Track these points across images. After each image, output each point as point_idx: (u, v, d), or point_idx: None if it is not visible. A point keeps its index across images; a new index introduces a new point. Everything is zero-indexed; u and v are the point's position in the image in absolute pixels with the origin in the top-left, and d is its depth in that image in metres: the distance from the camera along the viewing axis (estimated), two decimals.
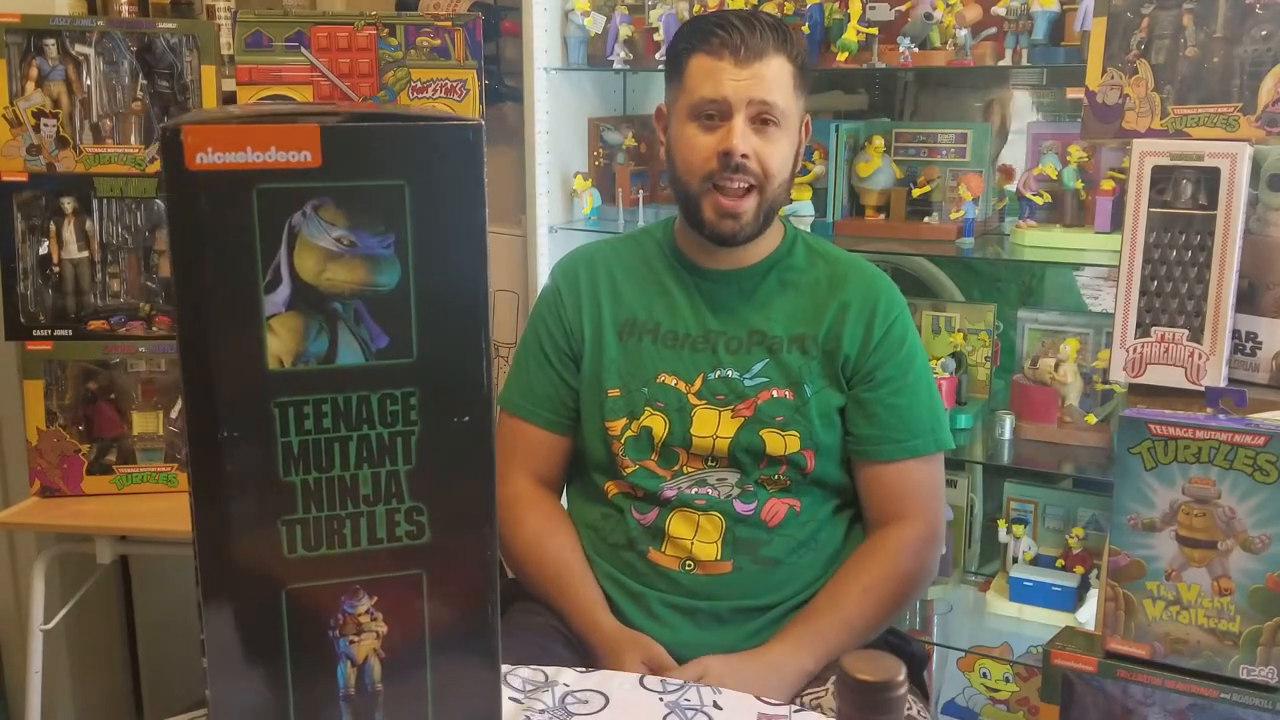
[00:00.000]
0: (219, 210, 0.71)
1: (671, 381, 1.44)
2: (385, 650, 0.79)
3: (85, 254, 1.80)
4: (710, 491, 1.42)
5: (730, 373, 1.43)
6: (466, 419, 0.77)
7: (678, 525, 1.42)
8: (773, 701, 1.10)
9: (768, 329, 1.45)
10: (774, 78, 1.38)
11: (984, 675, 2.02)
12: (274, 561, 0.76)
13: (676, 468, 1.43)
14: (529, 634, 1.40)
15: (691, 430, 1.42)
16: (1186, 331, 1.34)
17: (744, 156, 1.37)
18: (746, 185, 1.39)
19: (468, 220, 0.74)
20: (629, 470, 1.43)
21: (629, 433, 1.44)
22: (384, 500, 0.77)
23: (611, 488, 1.46)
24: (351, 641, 0.78)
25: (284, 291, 0.73)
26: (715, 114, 1.39)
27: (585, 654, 1.39)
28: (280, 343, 0.74)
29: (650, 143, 2.34)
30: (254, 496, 0.75)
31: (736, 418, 1.42)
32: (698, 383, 1.44)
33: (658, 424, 1.43)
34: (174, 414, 1.83)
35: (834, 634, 1.36)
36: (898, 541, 1.43)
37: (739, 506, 1.41)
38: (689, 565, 1.41)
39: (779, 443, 1.41)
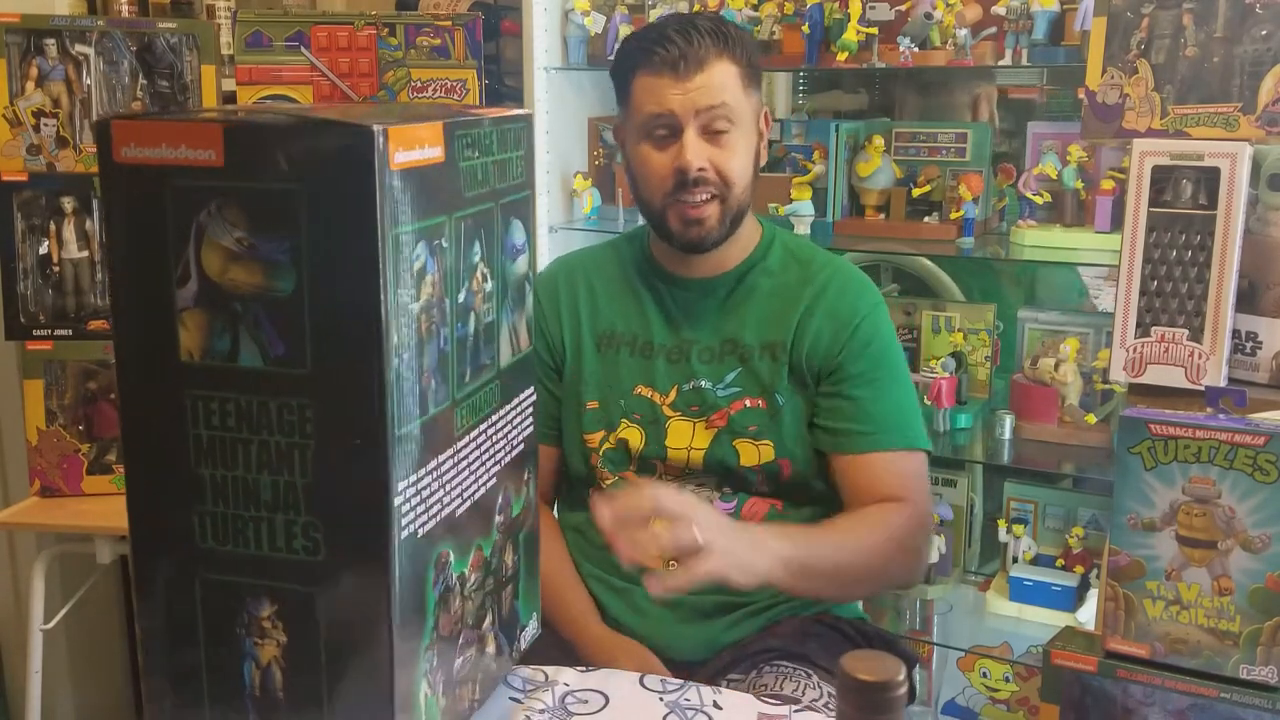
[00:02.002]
0: (138, 203, 0.74)
1: (647, 393, 1.43)
2: (285, 660, 0.77)
3: (85, 254, 1.80)
4: None
5: (703, 383, 1.42)
6: (358, 442, 0.73)
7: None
8: (772, 701, 1.10)
9: (740, 337, 1.42)
10: (719, 83, 1.35)
11: (984, 675, 2.02)
12: (189, 548, 0.77)
13: (654, 480, 1.42)
14: None
15: (666, 442, 1.41)
16: (1186, 331, 1.34)
17: (700, 170, 1.35)
18: (708, 195, 1.37)
19: (360, 233, 0.70)
20: (608, 482, 1.44)
21: (606, 445, 1.44)
22: (282, 509, 0.76)
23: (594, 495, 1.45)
24: (256, 643, 0.78)
25: (193, 287, 0.74)
26: (666, 130, 1.36)
27: (574, 660, 1.39)
28: (190, 337, 0.74)
29: None
30: (171, 483, 0.77)
31: (710, 429, 1.41)
32: (672, 394, 1.42)
33: (634, 436, 1.43)
34: None
35: (817, 556, 1.27)
36: (887, 511, 1.35)
37: (720, 505, 1.40)
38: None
39: (753, 453, 1.40)
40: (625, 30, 2.17)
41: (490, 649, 0.93)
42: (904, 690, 0.68)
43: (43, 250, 1.78)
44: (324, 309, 0.72)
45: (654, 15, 2.15)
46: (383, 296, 0.71)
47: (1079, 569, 1.95)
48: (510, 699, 1.08)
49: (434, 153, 0.77)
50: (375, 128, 0.69)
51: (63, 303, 1.80)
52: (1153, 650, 1.00)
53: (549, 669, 1.14)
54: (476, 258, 0.84)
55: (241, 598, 0.77)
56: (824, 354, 1.40)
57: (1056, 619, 1.85)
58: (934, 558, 2.01)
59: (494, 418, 0.90)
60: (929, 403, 1.97)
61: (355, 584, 0.75)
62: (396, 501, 0.74)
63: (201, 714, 0.80)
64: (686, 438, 1.41)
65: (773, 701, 1.10)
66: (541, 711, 1.06)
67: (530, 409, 0.98)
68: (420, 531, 0.78)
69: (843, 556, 1.30)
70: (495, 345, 0.89)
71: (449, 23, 1.78)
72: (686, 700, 1.08)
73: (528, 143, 0.93)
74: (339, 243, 0.71)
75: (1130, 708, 1.01)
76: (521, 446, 0.96)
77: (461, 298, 0.82)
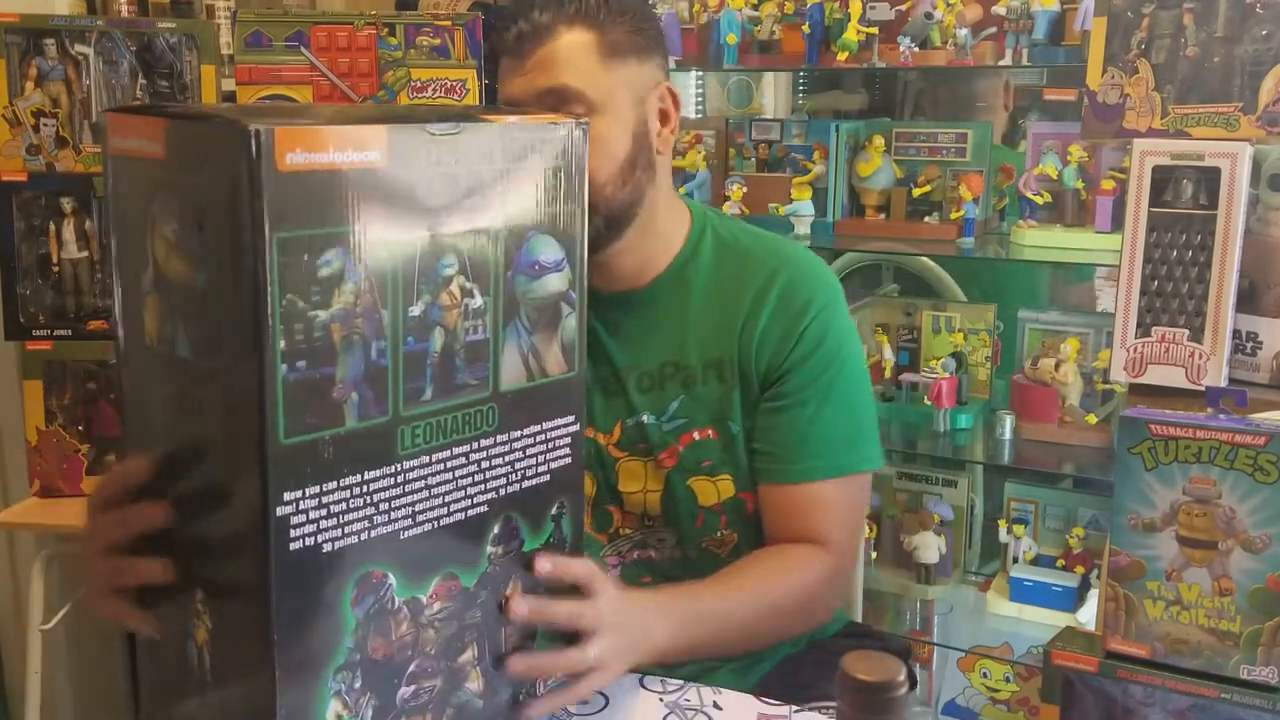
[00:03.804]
0: (122, 188, 0.77)
1: (590, 433, 1.22)
2: (210, 645, 0.77)
3: (85, 254, 1.80)
4: (653, 555, 1.27)
5: (645, 417, 1.23)
6: (242, 448, 0.72)
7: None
8: (772, 702, 1.10)
9: (680, 358, 1.22)
10: (563, 59, 1.11)
11: (984, 675, 2.02)
12: (159, 515, 0.77)
13: (612, 529, 1.27)
14: None
15: (619, 487, 1.25)
16: (1187, 331, 1.34)
17: None
18: None
19: (239, 233, 0.68)
20: None
21: None
22: (203, 500, 0.75)
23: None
24: (195, 623, 0.78)
25: (150, 273, 0.75)
26: None
27: None
28: (150, 320, 0.76)
29: None
30: (145, 454, 0.79)
31: (661, 469, 1.23)
32: (616, 432, 1.24)
33: (586, 482, 1.19)
34: None
35: (710, 621, 1.12)
36: (801, 556, 1.20)
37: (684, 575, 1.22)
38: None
39: (710, 491, 1.24)
40: None
41: (473, 685, 0.88)
42: (904, 690, 0.68)
43: (42, 250, 1.78)
44: (222, 306, 0.71)
45: None
46: (264, 299, 0.68)
47: (1079, 569, 1.95)
48: None
49: (366, 156, 0.73)
50: (256, 128, 0.67)
51: (62, 303, 1.79)
52: (1153, 650, 1.00)
53: None
54: (448, 270, 0.79)
55: (188, 574, 0.77)
56: (768, 362, 1.21)
57: (1057, 619, 1.85)
58: (934, 558, 2.01)
59: (484, 442, 0.85)
60: (929, 403, 1.97)
61: (241, 593, 0.75)
62: (282, 512, 0.71)
63: (164, 672, 0.82)
64: (640, 480, 1.25)
65: (773, 702, 1.10)
66: None
67: (567, 439, 0.91)
68: (327, 546, 0.74)
69: (740, 616, 1.15)
70: (488, 366, 0.84)
71: (449, 23, 1.78)
72: (686, 700, 1.08)
73: (571, 154, 0.86)
74: (229, 242, 0.69)
75: (1130, 708, 1.01)
76: (545, 479, 0.90)
77: (418, 310, 0.77)
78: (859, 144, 2.09)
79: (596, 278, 1.17)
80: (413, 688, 0.83)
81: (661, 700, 1.08)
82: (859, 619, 1.56)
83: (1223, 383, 1.33)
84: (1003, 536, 2.02)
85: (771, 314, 1.21)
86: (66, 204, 1.77)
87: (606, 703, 1.08)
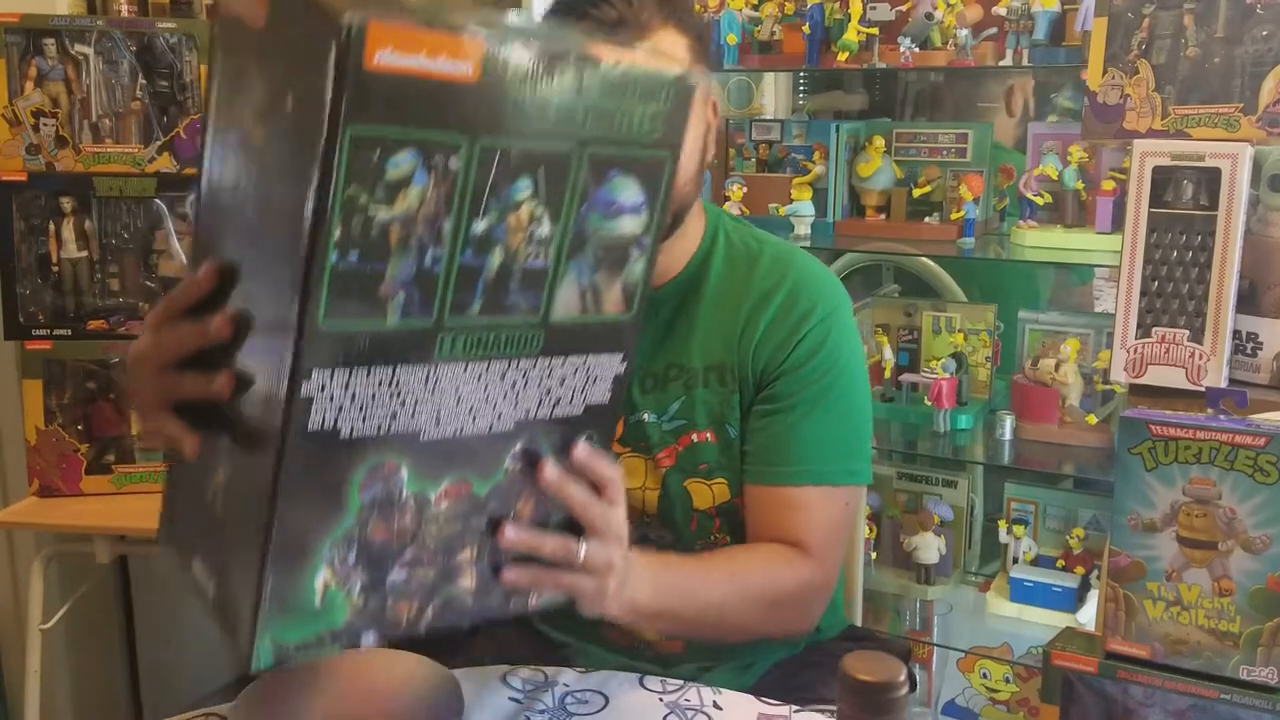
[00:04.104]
0: (224, 48, 0.81)
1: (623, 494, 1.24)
2: (224, 491, 0.83)
3: (85, 254, 1.80)
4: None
5: (645, 416, 1.25)
6: (288, 318, 0.74)
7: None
8: (772, 702, 1.10)
9: (683, 360, 1.24)
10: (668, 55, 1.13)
11: (984, 676, 2.02)
12: (223, 328, 0.80)
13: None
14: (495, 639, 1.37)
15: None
16: (1187, 332, 1.34)
17: None
18: None
19: (318, 119, 0.69)
20: None
21: None
22: (247, 355, 0.80)
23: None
24: (216, 465, 0.83)
25: (237, 133, 0.79)
26: None
27: (573, 661, 1.32)
28: (228, 174, 0.79)
29: None
30: (207, 286, 0.81)
31: (659, 468, 1.25)
32: (618, 429, 1.25)
33: None
34: None
35: (687, 595, 1.11)
36: (783, 555, 1.19)
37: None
38: (641, 645, 1.30)
39: (706, 494, 1.25)
40: None
41: (465, 582, 0.89)
42: (904, 691, 0.68)
43: (42, 250, 1.78)
44: (290, 184, 0.71)
45: None
46: (326, 188, 0.69)
47: (1079, 570, 1.95)
48: (510, 699, 1.08)
49: (457, 67, 0.71)
50: (350, 21, 0.65)
51: (62, 303, 1.79)
52: (1153, 651, 1.00)
53: (549, 669, 1.13)
54: (521, 195, 0.79)
55: (221, 417, 0.80)
56: (764, 366, 1.22)
57: (1057, 620, 1.85)
58: (934, 558, 2.01)
59: (523, 364, 0.85)
60: (929, 403, 1.97)
61: (258, 452, 0.77)
62: (306, 389, 0.73)
63: (182, 504, 0.89)
64: (639, 477, 1.25)
65: (773, 702, 1.10)
66: (541, 712, 1.05)
67: (611, 377, 0.91)
68: (345, 431, 0.76)
69: (717, 598, 1.14)
70: (542, 294, 0.83)
71: None
72: (686, 700, 1.08)
73: (676, 104, 0.84)
74: (306, 125, 0.69)
75: (1130, 709, 1.01)
76: (578, 411, 0.90)
77: (481, 227, 0.77)
78: (859, 144, 2.09)
79: None
80: (404, 574, 0.85)
81: (661, 700, 1.08)
82: (859, 619, 1.55)
83: (1223, 383, 1.33)
84: (1003, 537, 2.02)
85: (772, 319, 1.21)
86: (66, 204, 1.77)
87: (606, 702, 1.08)
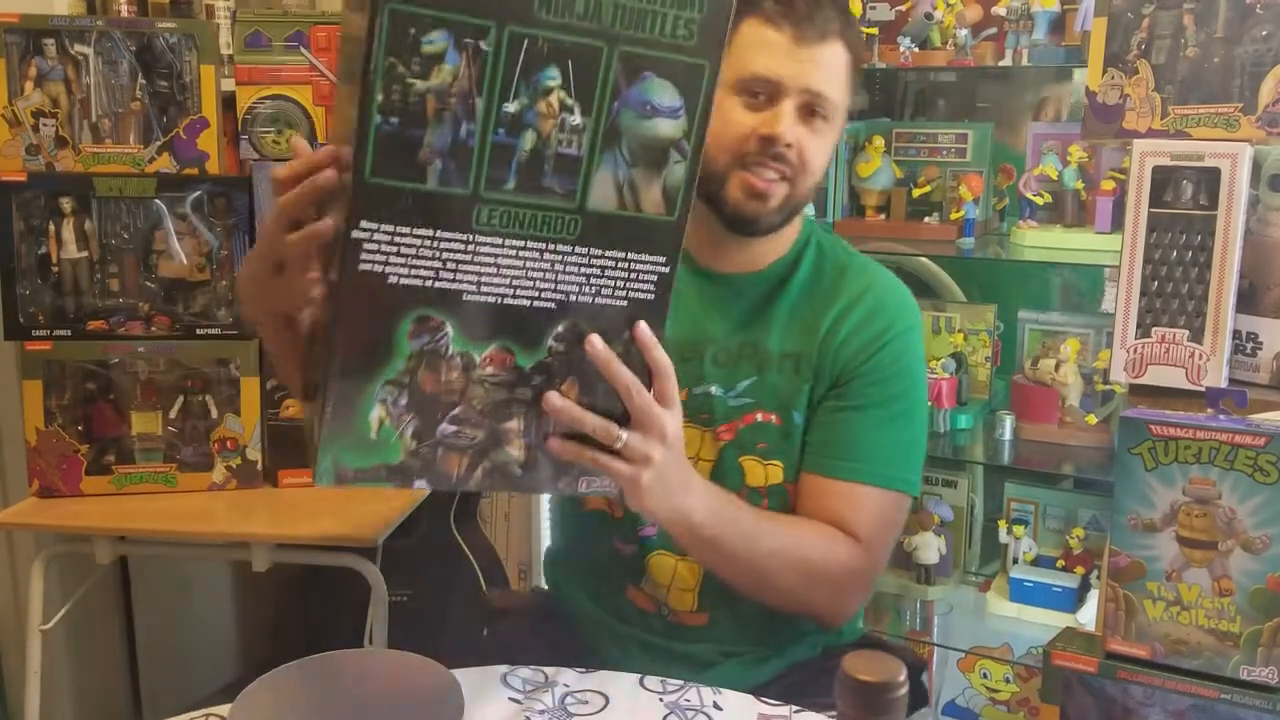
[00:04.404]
0: None
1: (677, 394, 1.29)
2: (319, 328, 0.94)
3: (84, 254, 1.80)
4: None
5: (713, 389, 1.29)
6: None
7: (657, 566, 1.31)
8: (772, 702, 1.10)
9: (760, 342, 1.29)
10: (832, 66, 1.22)
11: (984, 676, 2.03)
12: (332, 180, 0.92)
13: None
14: (503, 642, 1.39)
15: None
16: (1187, 332, 1.34)
17: (789, 145, 1.21)
18: (781, 175, 1.23)
19: (368, 7, 0.81)
20: None
21: None
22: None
23: (596, 501, 1.33)
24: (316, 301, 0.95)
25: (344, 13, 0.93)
26: (762, 93, 1.21)
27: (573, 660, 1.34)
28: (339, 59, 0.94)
29: None
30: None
31: (718, 441, 1.29)
32: (682, 396, 1.27)
33: None
34: (173, 414, 1.83)
35: (741, 532, 1.15)
36: (839, 535, 1.23)
37: None
38: (665, 611, 1.32)
39: (760, 473, 1.28)
40: None
41: (514, 452, 0.97)
42: (904, 691, 0.68)
43: (41, 250, 1.78)
44: (356, 56, 0.83)
45: None
46: (370, 57, 0.81)
47: (1079, 570, 1.95)
48: (510, 699, 1.08)
49: None
50: None
51: (62, 303, 1.79)
52: (1153, 651, 1.00)
53: (549, 669, 1.13)
54: (552, 82, 0.87)
55: (323, 263, 0.92)
56: (845, 364, 1.28)
57: (1057, 620, 1.85)
58: (934, 558, 2.01)
59: (561, 248, 0.92)
60: (929, 403, 1.97)
61: (330, 293, 0.90)
62: (356, 235, 0.84)
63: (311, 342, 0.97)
64: (695, 447, 1.28)
65: (773, 702, 1.10)
66: (541, 712, 1.06)
67: (654, 277, 0.96)
68: (393, 277, 0.87)
69: (768, 547, 1.18)
70: (577, 180, 0.91)
71: None
72: (686, 701, 1.08)
73: (715, 12, 0.90)
74: (364, 5, 0.81)
75: (1130, 709, 1.01)
76: (622, 303, 0.96)
77: (512, 108, 0.86)
78: (859, 144, 2.09)
79: (715, 258, 1.31)
80: (455, 428, 0.94)
81: (661, 700, 1.08)
82: (860, 620, 1.56)
83: (1223, 383, 1.33)
84: (1003, 537, 2.02)
85: (858, 323, 1.28)
86: (66, 204, 1.77)
87: (606, 703, 1.08)
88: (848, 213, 2.11)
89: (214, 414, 1.83)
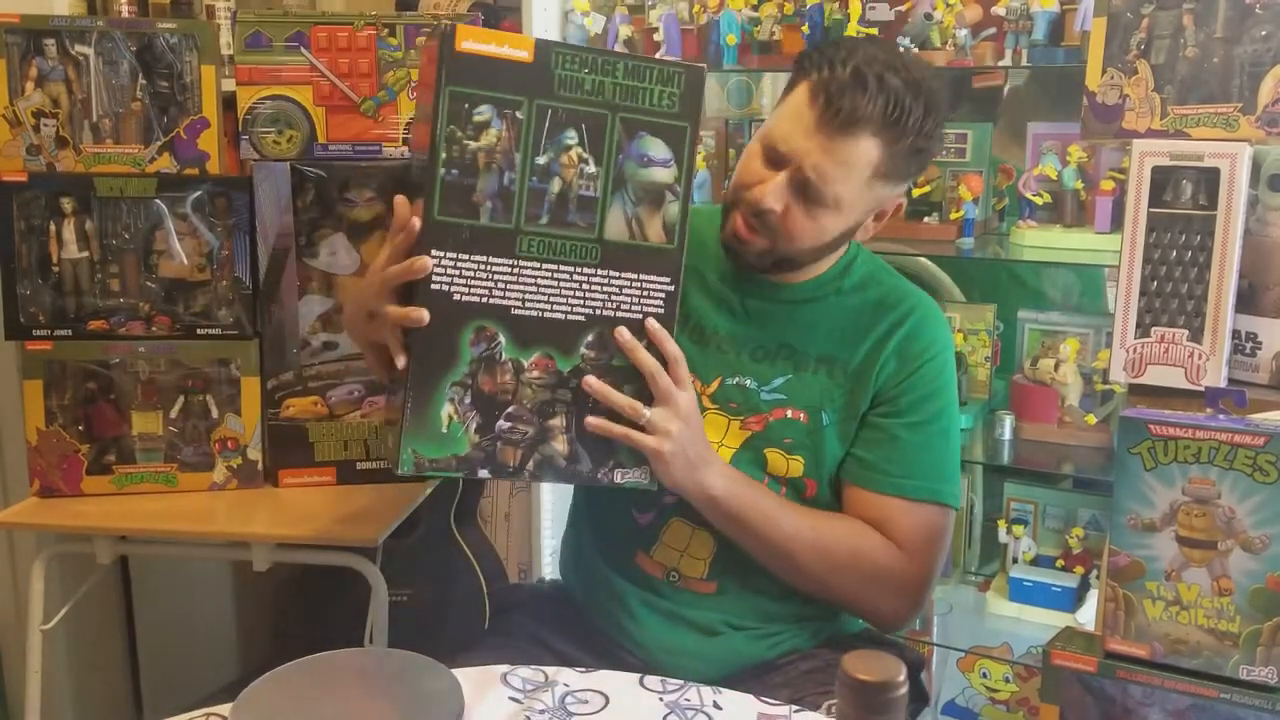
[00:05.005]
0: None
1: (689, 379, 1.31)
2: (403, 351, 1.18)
3: (85, 254, 1.80)
4: None
5: (747, 382, 1.35)
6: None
7: (673, 533, 1.36)
8: (772, 701, 1.10)
9: (797, 343, 1.36)
10: (850, 160, 1.23)
11: (984, 675, 2.03)
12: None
13: None
14: (511, 640, 1.40)
15: None
16: (1186, 332, 1.34)
17: (770, 211, 1.26)
18: (760, 233, 1.29)
19: (436, 89, 1.11)
20: None
21: None
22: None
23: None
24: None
25: (421, 104, 1.25)
26: (773, 156, 1.27)
27: (573, 661, 1.36)
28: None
29: None
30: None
31: (745, 430, 1.35)
32: (714, 385, 1.36)
33: None
34: (174, 414, 1.83)
35: (759, 513, 1.27)
36: (876, 535, 1.31)
37: None
38: (673, 577, 1.37)
39: (782, 464, 1.34)
40: (625, 31, 2.17)
41: (559, 446, 1.19)
42: (904, 690, 0.68)
43: (42, 251, 1.78)
44: (427, 128, 1.11)
45: (654, 16, 2.15)
46: (437, 125, 1.09)
47: (1079, 569, 1.95)
48: (510, 699, 1.08)
49: (517, 53, 1.10)
50: (447, 23, 1.06)
51: (62, 303, 1.79)
52: (1152, 651, 1.00)
53: (549, 669, 1.14)
54: (570, 141, 1.13)
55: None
56: (885, 383, 1.34)
57: (1056, 619, 1.85)
58: None
59: (586, 271, 1.16)
60: None
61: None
62: (430, 261, 1.10)
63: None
64: (720, 433, 1.35)
65: (773, 701, 1.10)
66: (541, 712, 1.06)
67: (662, 294, 1.19)
68: (457, 295, 1.12)
69: (786, 531, 1.28)
70: (595, 216, 1.16)
71: (449, 23, 1.78)
72: (686, 700, 1.08)
73: (690, 88, 1.16)
74: (433, 89, 1.10)
75: (1130, 708, 1.01)
76: (638, 316, 1.19)
77: (542, 161, 1.13)
78: None
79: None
80: (509, 424, 1.16)
81: (661, 700, 1.08)
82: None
83: (1222, 383, 1.33)
84: (1002, 537, 2.02)
85: (903, 339, 1.35)
86: (66, 204, 1.77)
87: (606, 702, 1.08)
88: None
89: (214, 414, 1.83)
